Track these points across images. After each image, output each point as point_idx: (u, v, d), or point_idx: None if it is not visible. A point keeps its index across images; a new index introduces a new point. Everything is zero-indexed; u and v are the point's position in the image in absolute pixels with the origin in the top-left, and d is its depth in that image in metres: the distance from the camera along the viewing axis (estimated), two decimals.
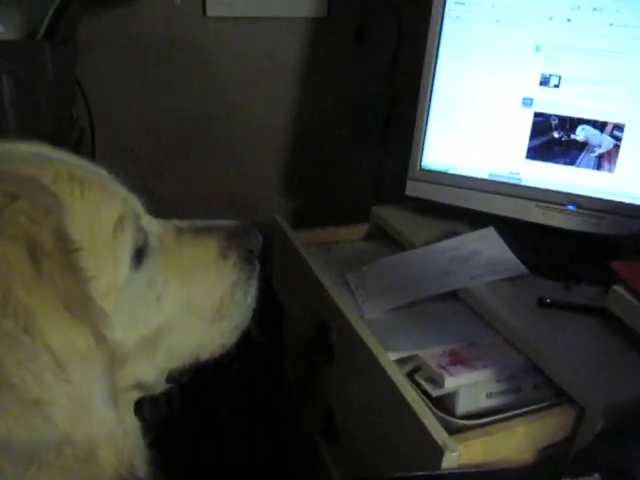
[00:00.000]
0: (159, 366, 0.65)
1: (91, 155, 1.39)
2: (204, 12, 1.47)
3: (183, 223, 0.70)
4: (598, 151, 1.12)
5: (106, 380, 0.50)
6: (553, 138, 1.16)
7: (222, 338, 0.70)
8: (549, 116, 1.15)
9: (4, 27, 0.98)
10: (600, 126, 1.11)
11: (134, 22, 1.43)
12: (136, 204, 0.63)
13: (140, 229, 0.60)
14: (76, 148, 1.20)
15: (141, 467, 0.63)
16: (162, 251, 0.64)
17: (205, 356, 0.69)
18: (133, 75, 1.48)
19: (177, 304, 0.64)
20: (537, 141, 1.17)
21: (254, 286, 0.73)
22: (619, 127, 1.10)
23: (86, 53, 1.30)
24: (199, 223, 0.71)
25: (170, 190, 1.54)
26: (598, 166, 1.13)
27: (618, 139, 1.10)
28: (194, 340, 0.68)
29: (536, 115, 1.16)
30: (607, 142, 1.11)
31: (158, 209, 0.67)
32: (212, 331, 0.69)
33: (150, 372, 0.64)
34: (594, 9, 1.08)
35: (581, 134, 1.13)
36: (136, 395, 0.67)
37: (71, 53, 1.20)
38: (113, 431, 0.51)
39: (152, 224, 0.65)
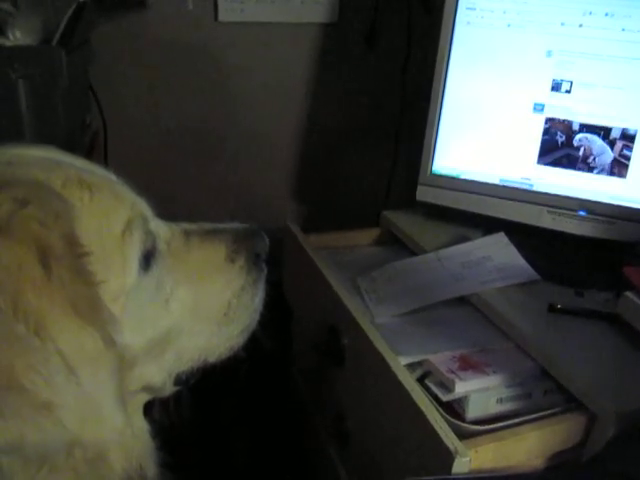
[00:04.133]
0: (167, 369, 0.66)
1: (104, 160, 1.40)
2: (216, 17, 1.48)
3: (191, 226, 0.70)
4: (609, 157, 1.12)
5: (115, 383, 0.50)
6: (564, 144, 1.15)
7: (229, 341, 0.70)
8: (560, 122, 1.15)
9: (20, 33, 0.99)
10: (612, 132, 1.11)
11: (147, 27, 1.44)
12: (144, 208, 0.63)
13: (148, 232, 0.60)
14: (89, 153, 1.21)
15: (150, 469, 0.64)
16: (170, 254, 0.65)
17: (213, 359, 0.70)
18: (145, 80, 1.49)
19: (185, 307, 0.64)
20: (548, 147, 1.17)
21: (261, 289, 0.73)
22: (631, 133, 1.09)
23: (99, 58, 1.31)
24: (207, 226, 0.71)
25: (181, 194, 1.55)
26: (610, 172, 1.12)
27: (630, 145, 1.09)
28: (202, 343, 0.68)
29: (547, 121, 1.16)
30: (619, 148, 1.11)
31: (169, 213, 0.68)
32: (220, 334, 0.69)
33: (158, 375, 0.65)
34: (606, 14, 1.08)
35: (592, 140, 1.13)
36: (145, 397, 0.68)
37: (85, 58, 1.21)
38: (122, 433, 0.51)
39: (160, 227, 0.66)
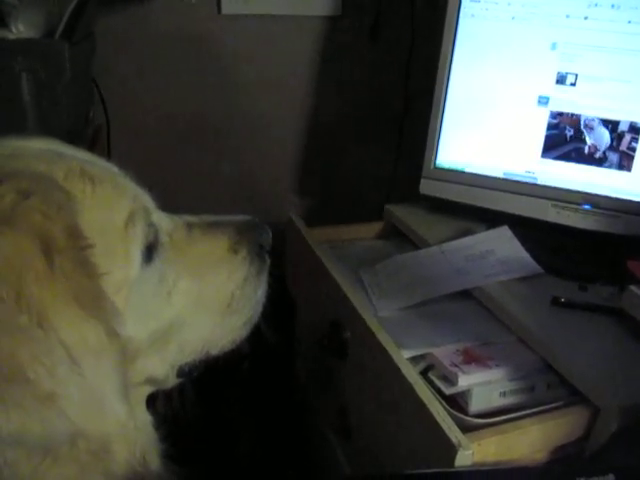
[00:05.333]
0: (170, 361, 0.66)
1: (107, 153, 1.40)
2: (219, 10, 1.48)
3: (193, 218, 0.70)
4: (615, 150, 1.11)
5: (118, 375, 0.50)
6: (569, 137, 1.15)
7: (232, 333, 0.70)
8: (565, 115, 1.14)
9: (23, 26, 0.99)
10: (617, 125, 1.10)
11: (150, 20, 1.44)
12: (147, 200, 0.64)
13: (151, 225, 0.61)
14: (92, 145, 1.21)
15: (154, 460, 0.64)
16: (173, 246, 0.65)
17: (215, 351, 0.70)
18: (149, 73, 1.49)
19: (188, 299, 0.64)
20: (553, 140, 1.16)
21: (264, 281, 0.73)
22: (636, 126, 1.08)
23: (102, 51, 1.31)
24: (209, 218, 0.71)
25: (184, 187, 1.55)
26: (615, 165, 1.12)
27: (635, 138, 1.09)
28: (205, 335, 0.68)
29: (552, 114, 1.15)
30: (624, 141, 1.10)
31: (171, 205, 0.68)
32: (223, 326, 0.69)
33: (161, 367, 0.65)
34: (612, 6, 1.07)
35: (597, 133, 1.12)
36: (148, 390, 0.68)
37: (88, 51, 1.21)
38: (125, 425, 0.52)
39: (163, 220, 0.66)
